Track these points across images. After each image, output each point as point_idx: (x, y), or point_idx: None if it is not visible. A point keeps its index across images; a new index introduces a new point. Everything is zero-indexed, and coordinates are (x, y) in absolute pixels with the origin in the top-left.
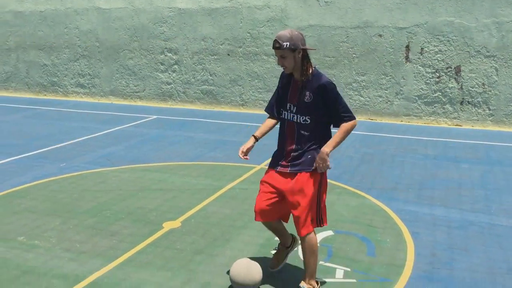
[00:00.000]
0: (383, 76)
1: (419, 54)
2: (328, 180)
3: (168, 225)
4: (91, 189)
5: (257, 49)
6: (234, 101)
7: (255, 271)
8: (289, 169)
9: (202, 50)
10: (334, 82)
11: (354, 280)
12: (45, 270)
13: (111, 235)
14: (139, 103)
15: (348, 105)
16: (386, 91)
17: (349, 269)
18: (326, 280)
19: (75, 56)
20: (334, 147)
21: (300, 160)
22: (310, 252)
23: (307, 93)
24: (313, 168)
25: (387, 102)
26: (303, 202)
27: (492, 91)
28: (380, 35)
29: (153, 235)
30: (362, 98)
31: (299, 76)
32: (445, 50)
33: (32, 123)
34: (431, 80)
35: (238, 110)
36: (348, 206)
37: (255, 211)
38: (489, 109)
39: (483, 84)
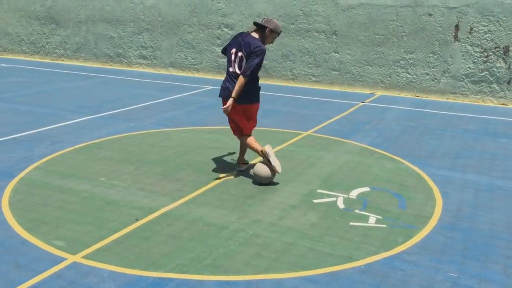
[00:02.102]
0: (431, 55)
1: (468, 34)
2: (368, 147)
3: (224, 175)
4: (157, 145)
5: (309, 26)
6: (284, 75)
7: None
8: None
9: None
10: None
11: (384, 226)
12: (124, 203)
13: (176, 180)
14: (196, 74)
15: None
16: (433, 69)
17: (380, 217)
18: (359, 224)
19: (139, 29)
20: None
21: None
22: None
23: None
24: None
25: (433, 80)
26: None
27: None
28: (430, 14)
29: (212, 182)
30: (409, 76)
31: None
32: (494, 30)
33: (102, 89)
34: (479, 59)
35: (288, 83)
36: (385, 168)
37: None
38: None
39: None
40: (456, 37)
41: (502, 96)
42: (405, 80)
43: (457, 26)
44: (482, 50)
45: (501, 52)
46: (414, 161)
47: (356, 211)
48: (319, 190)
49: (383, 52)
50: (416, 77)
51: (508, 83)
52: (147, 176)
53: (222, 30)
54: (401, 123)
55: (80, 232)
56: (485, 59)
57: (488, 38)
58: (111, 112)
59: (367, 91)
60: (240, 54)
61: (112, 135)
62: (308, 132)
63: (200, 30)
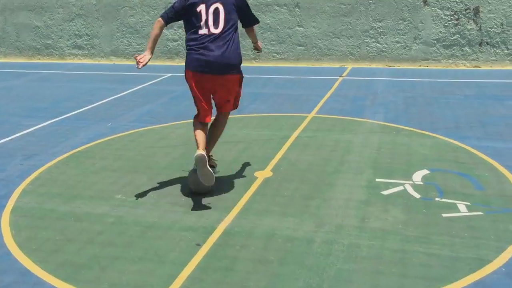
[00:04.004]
0: (400, 21)
1: None
2: (387, 124)
3: (260, 175)
4: (156, 146)
5: (268, 0)
6: (245, 55)
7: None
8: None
9: None
10: None
11: (481, 213)
12: (167, 224)
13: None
14: None
15: None
16: (404, 37)
17: (468, 203)
18: (454, 215)
19: (70, 15)
20: None
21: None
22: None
23: None
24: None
25: (405, 48)
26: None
27: (511, 30)
28: None
29: (253, 185)
30: (379, 45)
31: None
32: None
33: (45, 86)
34: (450, 22)
35: (250, 64)
36: (424, 145)
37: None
38: (508, 49)
39: (502, 24)
40: (425, 1)
41: (474, 58)
42: (375, 50)
43: None
44: (453, 12)
45: (472, 13)
46: (447, 134)
47: (437, 199)
48: (377, 179)
49: (351, 23)
50: (386, 46)
51: (480, 44)
52: (169, 186)
53: None
54: (398, 95)
55: (138, 273)
56: (456, 22)
57: (457, 0)
58: (74, 112)
59: (336, 65)
60: (214, 6)
61: (94, 140)
62: (313, 114)
63: (144, 12)
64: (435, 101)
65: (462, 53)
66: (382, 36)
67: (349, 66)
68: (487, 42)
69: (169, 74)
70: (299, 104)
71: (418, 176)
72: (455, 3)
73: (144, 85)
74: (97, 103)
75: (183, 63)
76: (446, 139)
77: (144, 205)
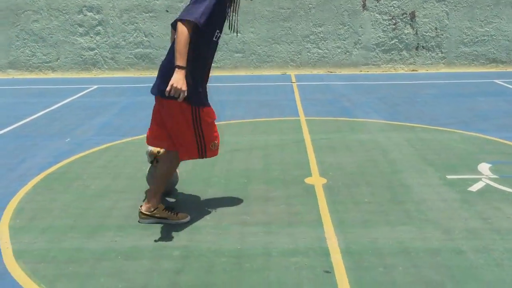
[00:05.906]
0: (341, 26)
1: (376, 2)
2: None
3: (313, 181)
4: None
5: None
6: None
7: None
8: None
9: (133, 7)
10: None
11: None
12: (259, 250)
13: (265, 200)
14: (52, 75)
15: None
16: (344, 42)
17: None
18: None
19: None
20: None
21: None
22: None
23: None
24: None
25: (346, 53)
26: None
27: (444, 34)
28: None
29: (317, 193)
30: (320, 51)
31: None
32: None
33: None
34: (388, 27)
35: None
36: (455, 140)
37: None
38: (442, 52)
39: (436, 28)
40: (364, 6)
41: (411, 62)
42: (316, 56)
43: None
44: (390, 17)
45: (408, 18)
46: (459, 128)
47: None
48: (448, 176)
49: (291, 28)
50: (327, 51)
51: (417, 48)
52: (214, 203)
53: (85, 15)
54: (369, 97)
55: None
56: (394, 26)
57: (395, 5)
58: (6, 129)
59: (277, 72)
60: None
61: (62, 158)
62: (303, 117)
63: (52, 16)
64: (410, 100)
65: (400, 57)
66: (322, 42)
67: (291, 73)
68: (423, 46)
69: (95, 86)
70: (278, 109)
71: (484, 170)
72: (392, 7)
73: (73, 98)
74: (29, 119)
75: (103, 75)
76: (467, 132)
77: (205, 229)
